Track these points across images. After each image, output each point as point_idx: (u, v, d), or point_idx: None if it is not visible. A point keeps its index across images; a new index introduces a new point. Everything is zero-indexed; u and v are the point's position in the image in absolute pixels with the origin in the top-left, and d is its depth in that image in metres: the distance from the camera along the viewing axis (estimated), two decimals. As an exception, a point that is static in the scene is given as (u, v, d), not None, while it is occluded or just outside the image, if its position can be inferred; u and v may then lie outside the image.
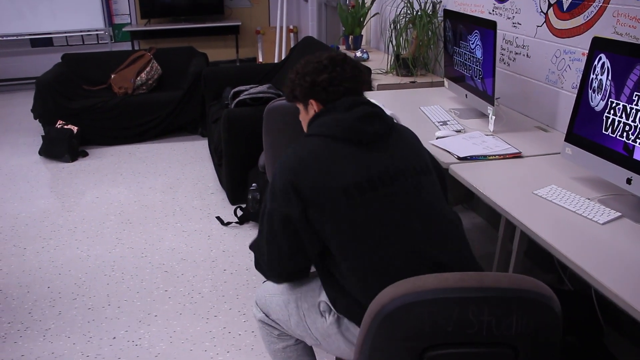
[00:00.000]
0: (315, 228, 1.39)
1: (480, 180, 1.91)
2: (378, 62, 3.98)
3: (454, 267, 1.38)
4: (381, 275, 1.34)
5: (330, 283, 1.46)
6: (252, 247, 1.60)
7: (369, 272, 1.35)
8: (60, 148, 4.42)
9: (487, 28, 2.36)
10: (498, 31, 2.74)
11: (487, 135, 2.33)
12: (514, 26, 2.74)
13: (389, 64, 3.72)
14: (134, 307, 2.58)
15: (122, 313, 2.54)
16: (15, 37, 6.48)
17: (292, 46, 5.20)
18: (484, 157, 2.10)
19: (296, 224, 1.39)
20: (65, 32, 6.63)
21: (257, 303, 1.71)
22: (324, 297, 1.53)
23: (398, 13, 3.69)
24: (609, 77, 1.72)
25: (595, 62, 1.78)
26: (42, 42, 6.82)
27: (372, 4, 4.41)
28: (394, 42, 3.64)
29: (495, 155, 2.10)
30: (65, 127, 4.51)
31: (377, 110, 1.48)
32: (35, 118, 4.73)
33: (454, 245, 1.42)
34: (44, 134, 4.52)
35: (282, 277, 1.57)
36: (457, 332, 1.09)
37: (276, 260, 1.49)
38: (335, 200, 1.36)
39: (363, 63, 3.78)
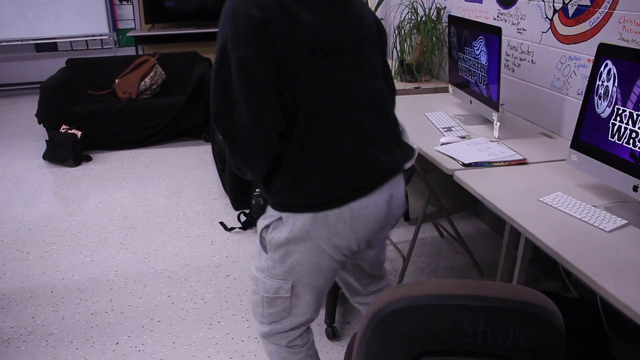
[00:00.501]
0: (286, 81, 1.30)
1: (485, 186, 1.90)
2: (382, 67, 3.98)
3: (376, 133, 1.42)
4: (324, 140, 1.35)
5: (272, 171, 1.40)
6: (220, 129, 1.33)
7: (317, 140, 1.35)
8: (64, 153, 4.43)
9: (492, 34, 2.36)
10: (503, 37, 2.74)
11: (492, 141, 2.33)
12: (519, 32, 2.73)
13: (393, 69, 3.71)
14: (137, 313, 2.57)
15: (125, 318, 2.53)
16: (20, 42, 6.50)
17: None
18: (489, 164, 2.09)
19: (274, 76, 1.27)
20: (69, 37, 6.65)
21: (256, 320, 1.66)
22: (260, 224, 1.51)
23: (402, 19, 3.69)
24: (615, 84, 1.71)
25: (602, 69, 1.77)
26: (46, 47, 6.84)
27: (376, 9, 4.42)
28: (398, 48, 3.64)
29: (500, 162, 2.10)
30: (69, 131, 4.51)
31: None
32: (39, 123, 4.74)
33: (386, 119, 1.47)
34: (48, 139, 4.53)
35: (264, 148, 1.32)
36: (451, 339, 1.08)
37: (260, 124, 1.28)
38: (303, 56, 1.29)
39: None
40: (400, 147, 1.51)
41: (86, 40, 6.90)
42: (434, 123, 2.60)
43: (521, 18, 2.71)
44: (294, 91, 1.30)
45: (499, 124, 2.39)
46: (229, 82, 1.26)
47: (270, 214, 1.49)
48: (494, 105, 2.41)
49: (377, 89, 1.46)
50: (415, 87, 3.40)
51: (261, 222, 1.52)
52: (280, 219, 1.44)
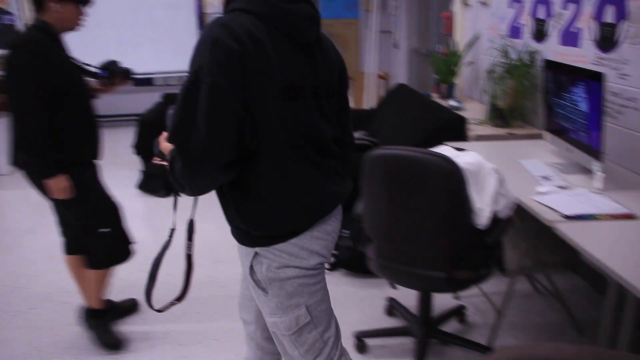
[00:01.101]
0: (254, 122, 1.36)
1: (590, 241, 1.81)
2: (473, 111, 3.93)
3: (328, 171, 1.54)
4: (291, 177, 1.44)
5: (243, 197, 1.47)
6: (175, 132, 1.37)
7: (287, 176, 1.43)
8: (156, 183, 4.64)
9: (593, 79, 2.28)
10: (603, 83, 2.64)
11: (594, 193, 2.23)
12: (622, 78, 2.63)
13: (484, 114, 3.66)
14: (223, 347, 2.61)
15: (213, 352, 2.58)
16: (121, 77, 6.96)
17: (383, 93, 5.23)
18: (593, 217, 1.99)
19: (238, 107, 1.31)
20: (165, 73, 7.06)
21: None
22: (246, 272, 1.58)
23: (494, 62, 3.65)
24: None
25: None
26: (142, 82, 7.28)
27: (466, 52, 4.39)
28: (489, 92, 3.59)
29: (605, 215, 2.00)
30: (162, 163, 4.73)
31: (316, 13, 1.47)
32: (136, 154, 5.01)
33: (337, 161, 1.60)
34: (142, 169, 4.76)
35: (213, 170, 1.37)
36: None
37: (212, 142, 1.31)
38: (273, 95, 1.36)
39: (457, 112, 3.74)
40: (347, 179, 1.66)
41: (179, 76, 7.29)
42: (530, 171, 2.52)
43: (624, 63, 2.61)
44: (257, 127, 1.36)
45: (601, 174, 2.29)
46: (196, 104, 1.30)
47: (245, 254, 1.56)
48: (596, 154, 2.32)
49: (332, 134, 1.55)
50: (508, 133, 3.32)
51: (245, 270, 1.59)
52: (256, 254, 1.52)
